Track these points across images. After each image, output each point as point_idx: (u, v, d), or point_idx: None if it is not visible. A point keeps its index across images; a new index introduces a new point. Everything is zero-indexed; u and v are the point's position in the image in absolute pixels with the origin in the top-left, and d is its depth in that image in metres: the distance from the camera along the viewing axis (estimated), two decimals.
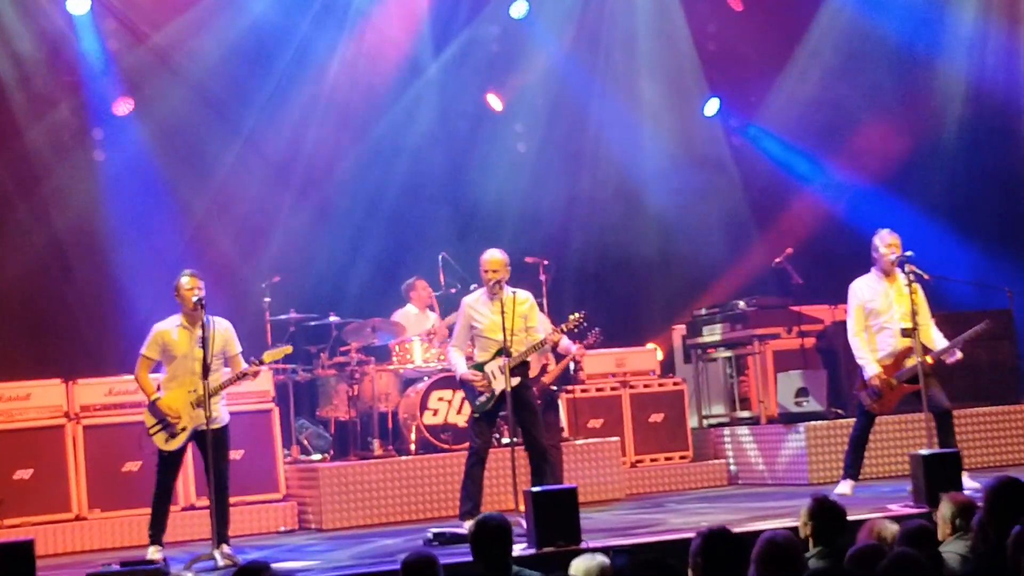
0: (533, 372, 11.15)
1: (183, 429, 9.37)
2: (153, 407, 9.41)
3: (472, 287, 11.12)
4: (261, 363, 9.51)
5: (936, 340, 10.42)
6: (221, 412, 9.46)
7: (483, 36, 14.90)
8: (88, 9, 12.85)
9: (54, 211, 13.05)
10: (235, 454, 9.83)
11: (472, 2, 14.79)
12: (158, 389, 9.46)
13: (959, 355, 10.39)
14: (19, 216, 12.89)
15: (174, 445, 9.41)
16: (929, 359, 10.19)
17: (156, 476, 9.51)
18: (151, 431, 9.42)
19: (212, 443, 9.16)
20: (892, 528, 6.06)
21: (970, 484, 9.47)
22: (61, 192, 13.09)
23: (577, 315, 10.15)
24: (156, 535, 9.44)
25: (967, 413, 12.36)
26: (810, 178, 15.52)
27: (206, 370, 9.06)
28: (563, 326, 10.13)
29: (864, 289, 10.52)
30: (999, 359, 13.01)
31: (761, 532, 5.48)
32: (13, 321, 12.62)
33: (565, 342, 11.11)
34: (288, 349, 10.00)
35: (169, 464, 9.49)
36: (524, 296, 10.02)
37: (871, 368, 10.39)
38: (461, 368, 10.01)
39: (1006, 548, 5.37)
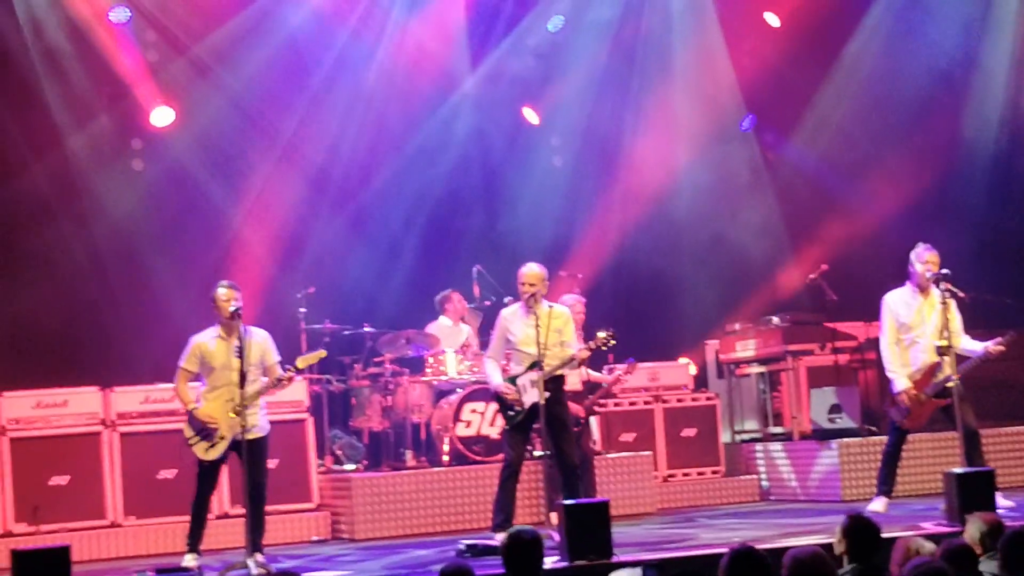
0: (577, 387, 11.18)
1: (222, 438, 9.43)
2: (191, 417, 9.49)
3: (506, 300, 11.14)
4: (296, 369, 9.58)
5: (966, 346, 10.33)
6: (261, 421, 9.54)
7: (520, 49, 14.94)
8: (128, 20, 12.97)
9: (93, 220, 13.15)
10: (270, 463, 9.88)
11: (509, 15, 14.85)
12: (197, 400, 9.55)
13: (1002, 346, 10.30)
14: (59, 225, 12.99)
15: (214, 454, 9.47)
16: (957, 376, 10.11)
17: (196, 486, 9.59)
18: (190, 441, 9.49)
19: (251, 451, 9.23)
20: (928, 546, 5.99)
21: (1004, 503, 9.45)
22: (100, 201, 13.18)
23: (605, 333, 9.91)
24: (193, 544, 9.52)
25: (1000, 432, 12.30)
26: (845, 196, 15.48)
27: (242, 379, 9.13)
28: (590, 344, 9.94)
29: (898, 302, 10.48)
30: None
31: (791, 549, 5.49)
32: (51, 329, 12.70)
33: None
34: (322, 353, 10.01)
35: (208, 474, 9.56)
36: (560, 311, 10.03)
37: (901, 382, 10.37)
38: (496, 380, 10.03)
39: None
